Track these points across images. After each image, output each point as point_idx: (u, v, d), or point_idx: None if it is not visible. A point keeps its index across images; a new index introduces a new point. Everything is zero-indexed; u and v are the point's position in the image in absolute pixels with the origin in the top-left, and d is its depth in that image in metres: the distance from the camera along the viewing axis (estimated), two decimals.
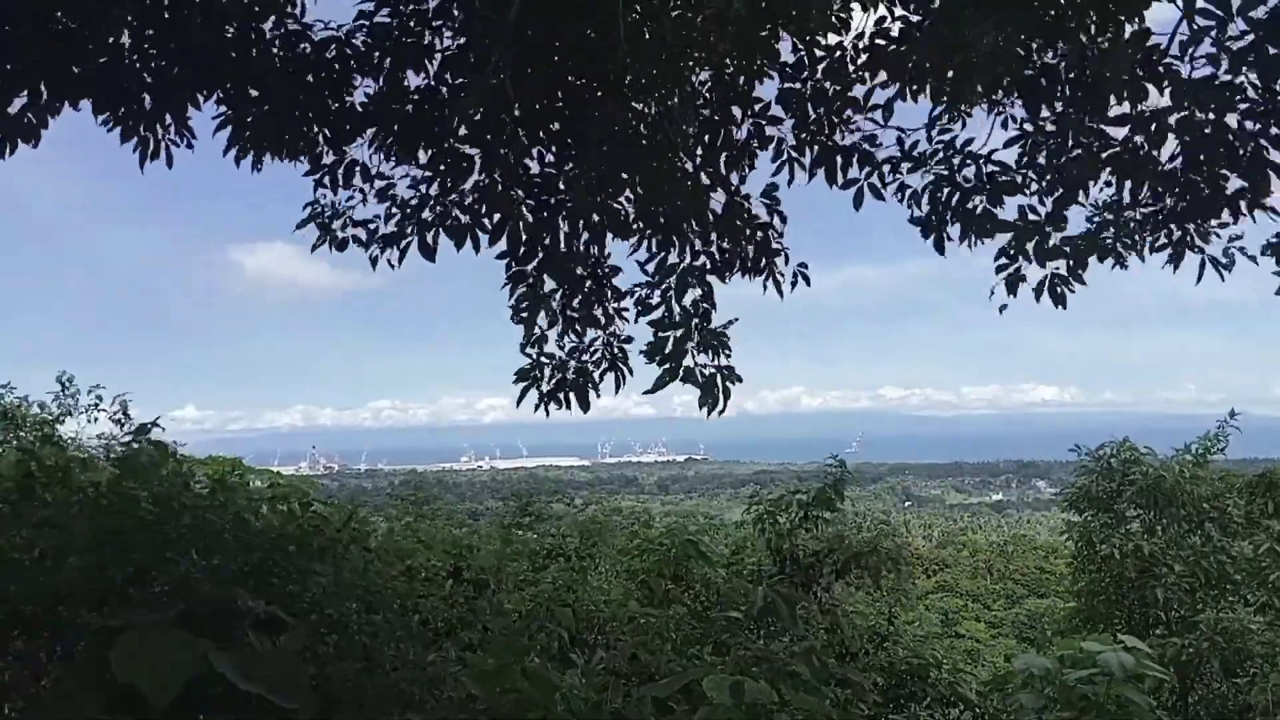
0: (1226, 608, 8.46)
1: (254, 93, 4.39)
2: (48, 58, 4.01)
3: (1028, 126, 4.32)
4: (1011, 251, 4.49)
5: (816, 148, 4.67)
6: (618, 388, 4.94)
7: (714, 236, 4.86)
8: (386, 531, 7.46)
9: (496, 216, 4.62)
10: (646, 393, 4.47)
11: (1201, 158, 3.95)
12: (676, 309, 4.71)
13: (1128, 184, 4.19)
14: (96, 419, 8.87)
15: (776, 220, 4.92)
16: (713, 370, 4.43)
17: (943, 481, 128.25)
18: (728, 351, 4.53)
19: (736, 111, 4.74)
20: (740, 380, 4.46)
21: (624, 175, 4.53)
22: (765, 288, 4.93)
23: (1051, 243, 4.40)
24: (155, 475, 3.34)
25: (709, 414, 4.39)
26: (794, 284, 4.98)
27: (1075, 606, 11.15)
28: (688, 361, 4.48)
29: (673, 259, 4.81)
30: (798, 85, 4.58)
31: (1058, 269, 4.45)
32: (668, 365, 4.46)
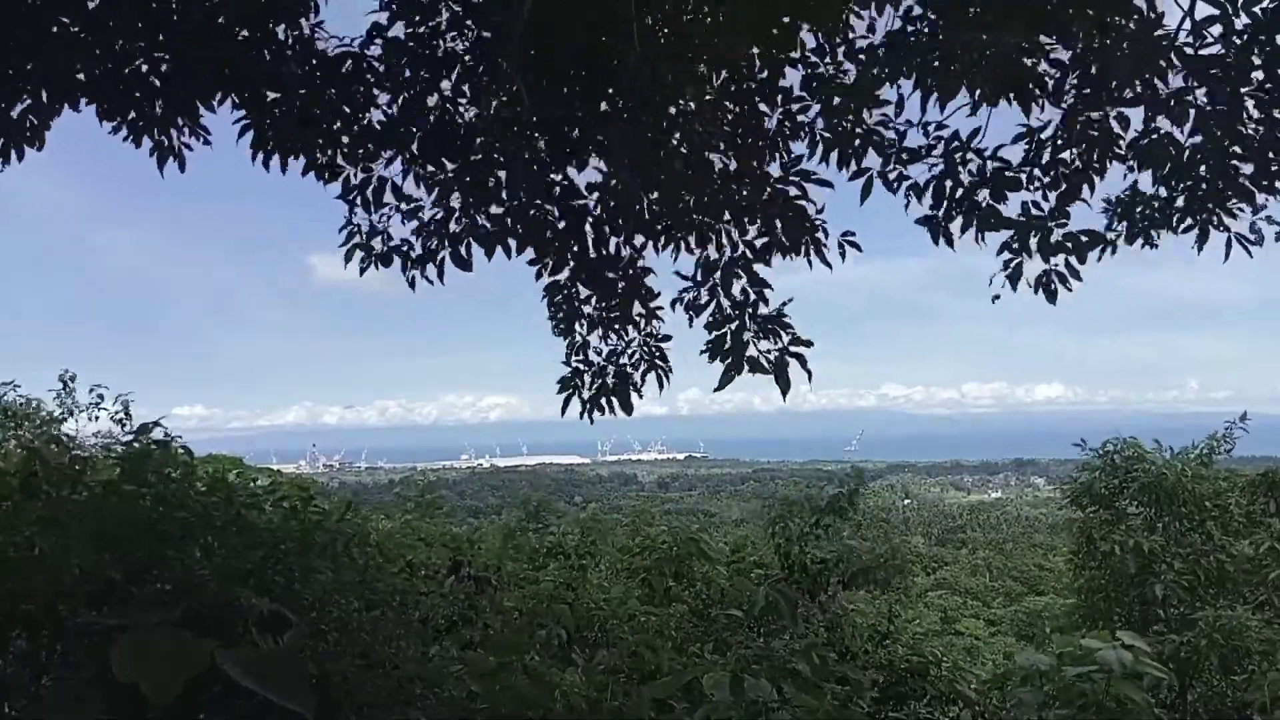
0: (1225, 606, 8.46)
1: (271, 95, 4.36)
2: (50, 62, 3.98)
3: (1034, 122, 4.31)
4: (1015, 245, 4.50)
5: (832, 135, 4.61)
6: (661, 387, 4.92)
7: (748, 224, 4.79)
8: (387, 529, 7.47)
9: (522, 228, 4.62)
10: (716, 390, 4.47)
11: (1217, 133, 3.94)
12: (726, 303, 4.67)
13: (1148, 172, 4.20)
14: (97, 417, 8.90)
15: (811, 194, 4.78)
16: (778, 353, 4.40)
17: (942, 479, 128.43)
18: (791, 330, 4.48)
19: (763, 105, 4.68)
20: (810, 344, 4.39)
21: (649, 180, 4.50)
22: (811, 264, 4.78)
23: (1054, 238, 4.40)
24: (159, 474, 3.34)
25: (785, 396, 4.36)
26: (843, 254, 4.78)
27: (1075, 603, 11.16)
28: (750, 351, 4.46)
29: (712, 254, 4.78)
30: (821, 69, 4.52)
31: (1057, 264, 4.46)
32: (730, 360, 4.45)
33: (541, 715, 3.10)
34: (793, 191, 4.70)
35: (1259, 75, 3.70)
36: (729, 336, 4.53)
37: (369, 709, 3.14)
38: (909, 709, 6.36)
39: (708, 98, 4.42)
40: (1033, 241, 4.38)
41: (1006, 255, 4.50)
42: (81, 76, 4.10)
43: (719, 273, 4.71)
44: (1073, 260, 4.35)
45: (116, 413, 8.37)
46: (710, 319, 4.67)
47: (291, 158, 4.53)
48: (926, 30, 4.03)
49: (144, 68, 4.21)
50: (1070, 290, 4.46)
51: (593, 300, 4.93)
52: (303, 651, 2.90)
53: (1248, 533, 9.32)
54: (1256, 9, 3.48)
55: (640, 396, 4.89)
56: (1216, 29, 3.59)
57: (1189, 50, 3.72)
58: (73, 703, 2.51)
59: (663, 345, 4.96)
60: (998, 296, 4.58)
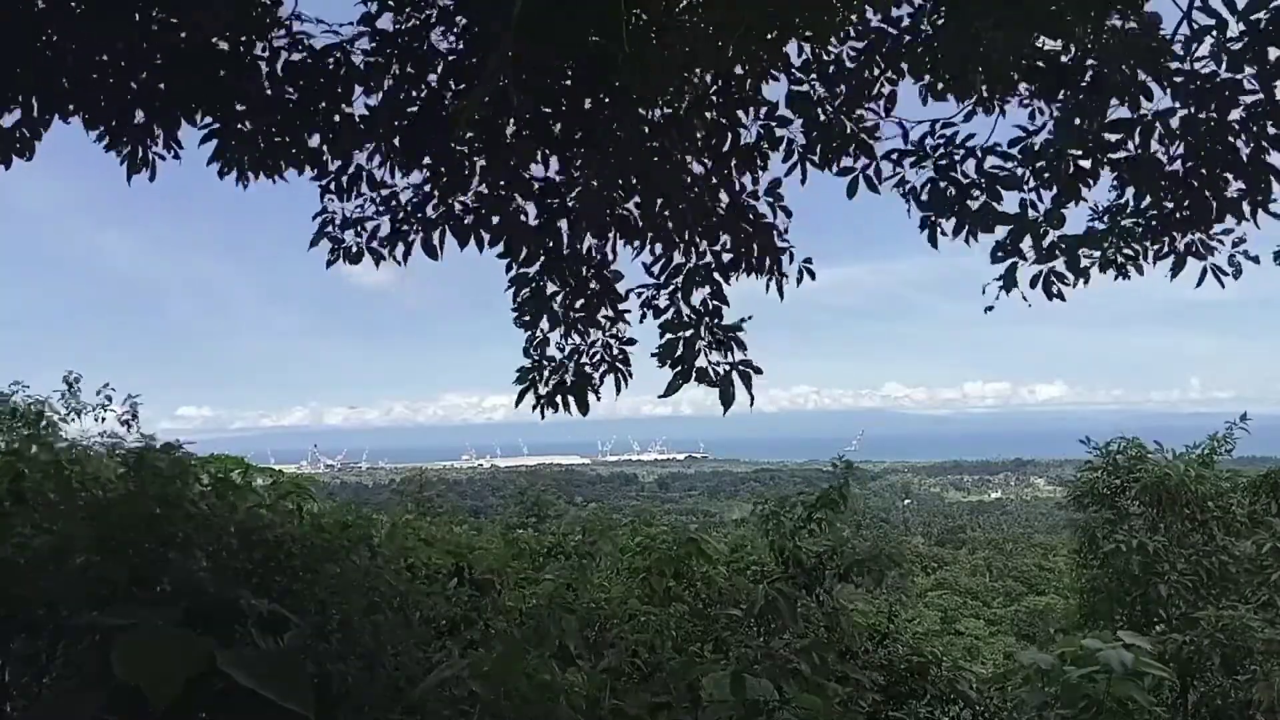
0: (1228, 606, 8.45)
1: (240, 108, 4.36)
2: (39, 71, 3.99)
3: (1030, 123, 4.30)
4: (1009, 245, 4.48)
5: (815, 133, 4.63)
6: (618, 390, 4.91)
7: (720, 236, 4.84)
8: (389, 530, 7.46)
9: (497, 219, 4.63)
10: (661, 396, 4.47)
11: (1202, 153, 3.94)
12: (685, 309, 4.69)
13: (1130, 189, 4.20)
14: (104, 418, 8.88)
15: (781, 218, 4.88)
16: (727, 367, 4.44)
17: (942, 479, 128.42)
18: (742, 348, 4.53)
19: (743, 115, 4.71)
20: (759, 372, 4.45)
21: (628, 179, 4.52)
22: (768, 287, 4.89)
23: (1048, 240, 4.39)
24: (165, 478, 3.35)
25: (725, 411, 4.40)
26: (799, 279, 4.94)
27: (1077, 603, 11.15)
28: (700, 361, 4.49)
29: (678, 259, 4.80)
30: (804, 88, 4.56)
31: (1054, 265, 4.44)
32: (680, 368, 4.47)
33: (543, 715, 3.09)
34: (763, 209, 4.75)
35: (1247, 98, 3.70)
36: (681, 344, 4.55)
37: (369, 710, 3.14)
38: (909, 708, 6.36)
39: (688, 98, 4.43)
40: (1027, 244, 4.38)
41: (1000, 254, 4.49)
42: (67, 86, 4.11)
43: (681, 278, 4.74)
44: (1068, 263, 4.34)
45: (124, 414, 8.37)
46: (668, 321, 4.67)
47: (255, 175, 4.52)
48: (929, 30, 4.04)
49: (130, 83, 4.21)
50: (1069, 285, 4.45)
51: (559, 296, 4.89)
52: (303, 652, 2.90)
53: (1250, 533, 9.31)
54: (1253, 16, 3.47)
55: (599, 398, 4.88)
56: (1210, 39, 3.58)
57: (1181, 65, 3.72)
58: (73, 703, 2.51)
59: (626, 349, 4.93)
60: (990, 308, 4.55)
